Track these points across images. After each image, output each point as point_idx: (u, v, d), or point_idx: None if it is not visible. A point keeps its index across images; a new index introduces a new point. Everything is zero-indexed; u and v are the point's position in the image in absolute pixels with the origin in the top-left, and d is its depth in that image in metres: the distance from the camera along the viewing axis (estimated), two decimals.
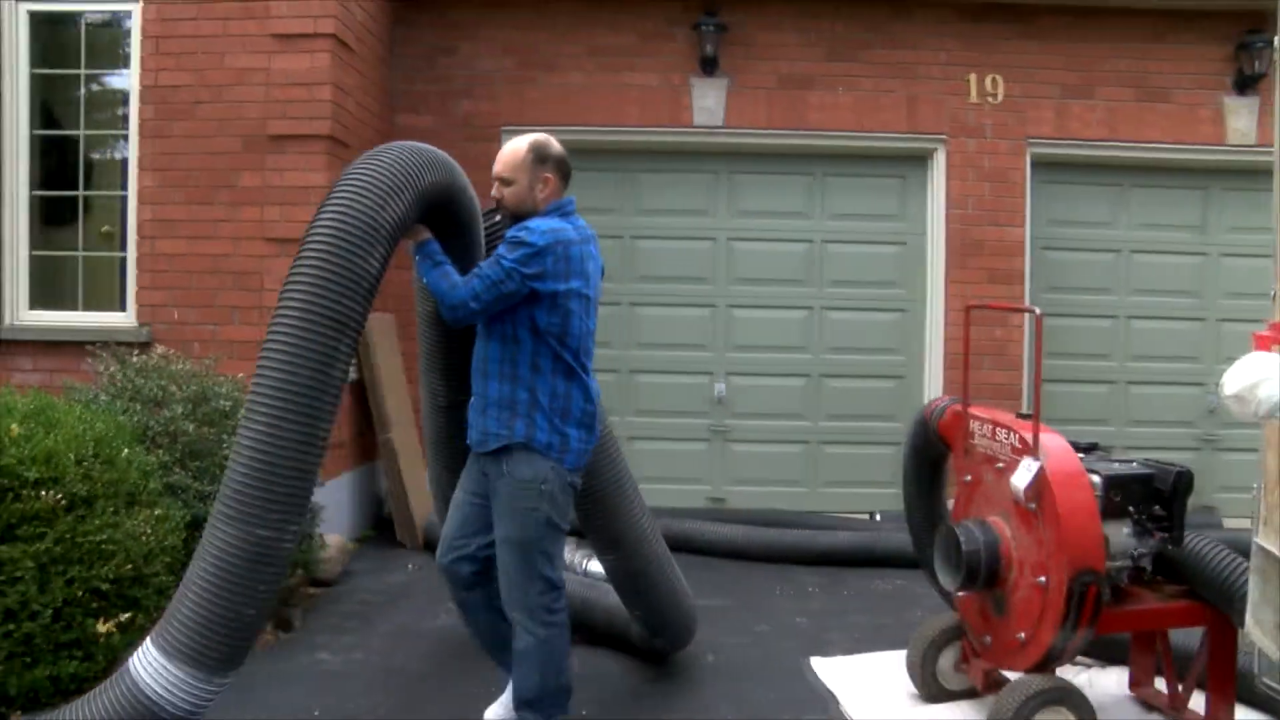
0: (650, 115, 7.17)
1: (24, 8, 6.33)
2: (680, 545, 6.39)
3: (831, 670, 4.54)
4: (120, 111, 6.35)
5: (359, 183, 3.10)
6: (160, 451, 4.71)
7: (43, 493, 3.85)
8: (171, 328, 6.03)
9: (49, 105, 6.48)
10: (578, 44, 7.15)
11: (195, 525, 4.58)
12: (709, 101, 7.17)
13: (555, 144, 3.56)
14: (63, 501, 3.89)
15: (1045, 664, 3.61)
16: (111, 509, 4.07)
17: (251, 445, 2.96)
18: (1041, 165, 7.31)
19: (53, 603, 3.80)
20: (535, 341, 3.37)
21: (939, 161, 7.27)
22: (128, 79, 6.28)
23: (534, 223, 3.37)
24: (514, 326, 3.37)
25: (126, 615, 4.01)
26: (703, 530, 6.47)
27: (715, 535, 6.44)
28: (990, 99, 7.20)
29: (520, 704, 3.52)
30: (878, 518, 6.98)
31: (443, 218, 3.46)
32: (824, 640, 4.95)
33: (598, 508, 3.87)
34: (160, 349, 5.59)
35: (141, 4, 6.17)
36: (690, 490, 7.34)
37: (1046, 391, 7.08)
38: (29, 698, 3.77)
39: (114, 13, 6.38)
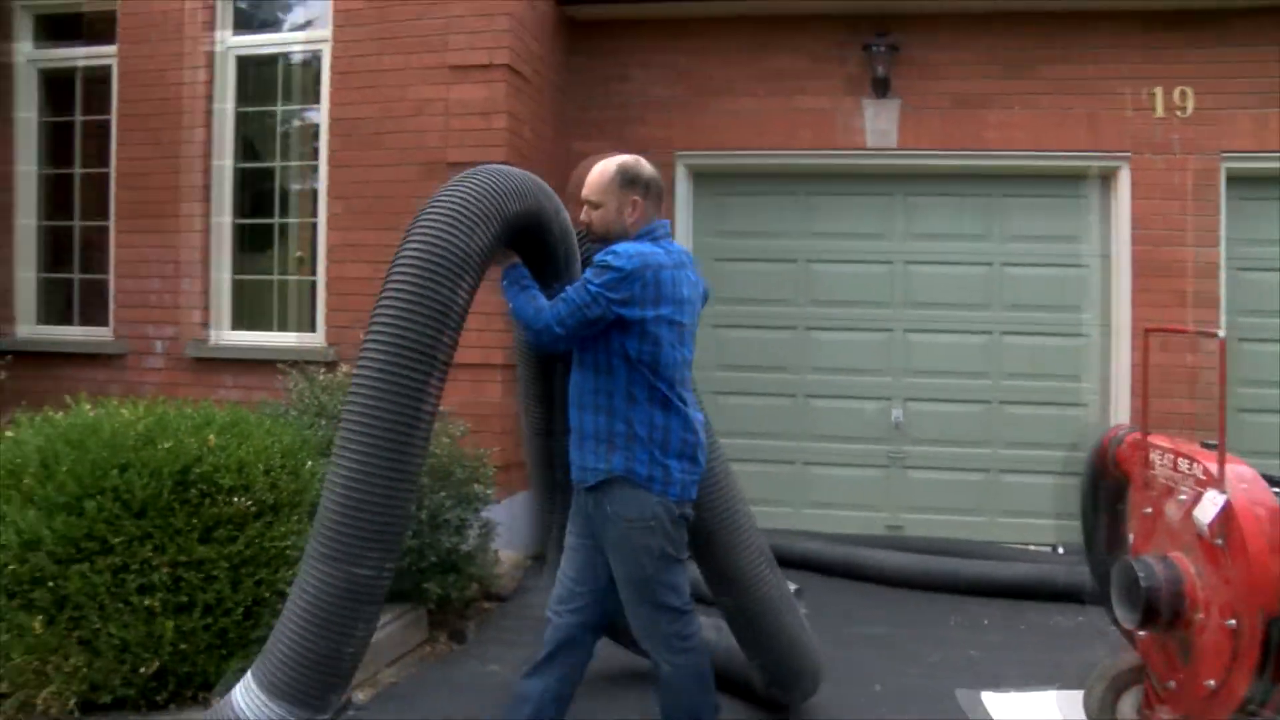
0: (823, 138, 7.15)
1: (232, 52, 6.78)
2: (854, 573, 6.29)
3: (1004, 706, 4.33)
4: (312, 144, 6.71)
5: (445, 211, 3.02)
6: None
7: (235, 499, 4.04)
8: (356, 348, 6.25)
9: (250, 139, 6.89)
10: (749, 68, 7.19)
11: None
12: (882, 123, 7.10)
13: (646, 166, 3.43)
14: (253, 508, 4.07)
15: (1240, 717, 3.26)
16: (295, 517, 4.23)
17: (344, 483, 2.89)
18: (1237, 180, 6.94)
19: (244, 601, 3.99)
20: (629, 371, 3.23)
21: (1123, 180, 6.99)
22: (319, 113, 6.62)
23: (621, 246, 3.22)
24: (607, 355, 3.24)
25: None
26: (876, 558, 6.32)
27: (888, 563, 6.27)
28: (1179, 112, 6.89)
29: None
30: (1060, 550, 6.69)
31: (533, 243, 3.36)
32: (997, 675, 4.71)
33: (708, 544, 3.62)
34: (345, 368, 5.82)
35: (331, 43, 6.52)
36: (866, 517, 7.20)
37: (1241, 421, 6.77)
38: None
39: (307, 52, 6.75)
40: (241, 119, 6.82)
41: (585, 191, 3.39)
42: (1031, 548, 6.82)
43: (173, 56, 6.73)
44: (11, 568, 3.76)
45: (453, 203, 3.03)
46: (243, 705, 2.95)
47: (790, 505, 7.33)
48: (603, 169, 3.38)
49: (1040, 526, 7.00)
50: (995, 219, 7.24)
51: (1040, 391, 7.15)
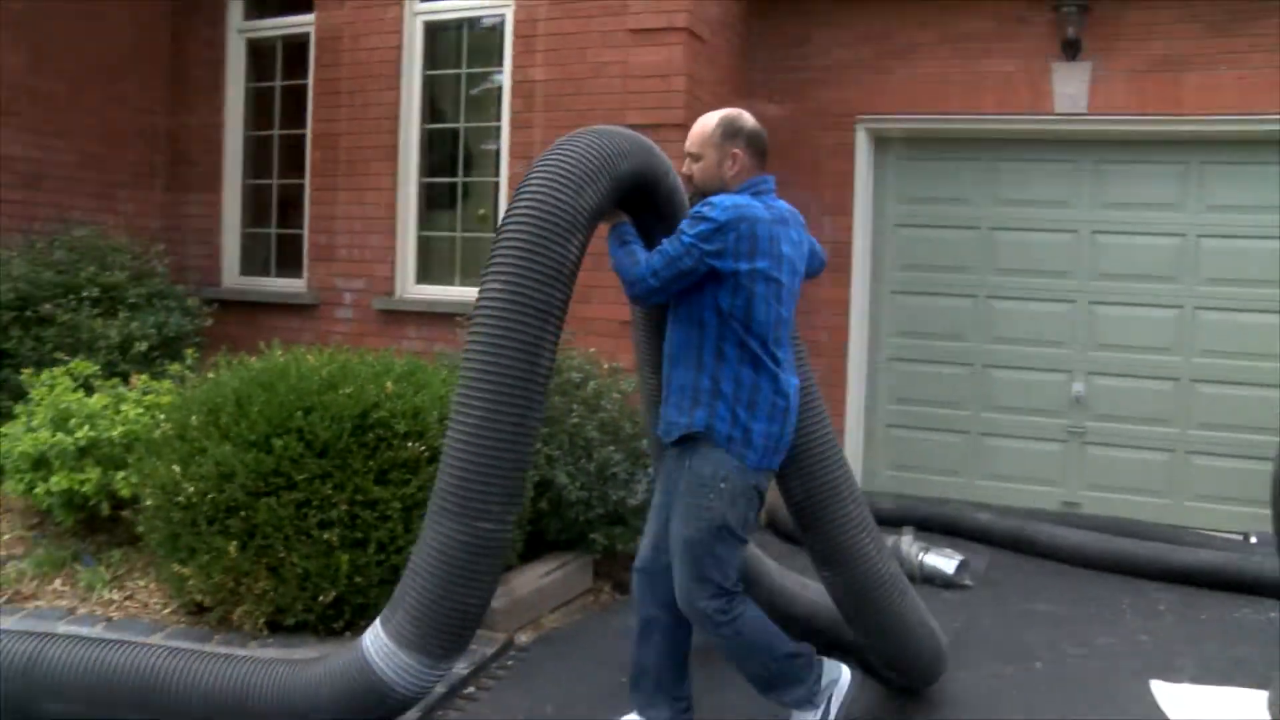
0: (1008, 102, 6.90)
1: (420, 18, 7.03)
2: (1025, 548, 6.12)
3: (1176, 698, 4.09)
4: (495, 106, 6.89)
5: (554, 172, 3.03)
6: None
7: (409, 444, 4.24)
8: None
9: (436, 102, 7.14)
10: (934, 30, 6.99)
11: (542, 486, 4.88)
12: (1071, 87, 6.80)
13: (749, 119, 3.36)
14: (425, 453, 4.24)
15: None
16: None
17: (466, 438, 2.95)
18: None
19: (414, 541, 4.14)
20: (720, 325, 3.17)
21: None
22: (502, 76, 6.80)
23: (717, 198, 3.17)
24: (699, 309, 3.19)
25: None
26: (1049, 533, 6.10)
27: (1063, 540, 6.04)
28: None
29: (766, 692, 3.38)
30: (1254, 540, 6.31)
31: (643, 202, 3.35)
32: (1170, 665, 4.46)
33: (808, 516, 3.50)
34: None
35: (514, 7, 6.68)
36: (1043, 492, 6.97)
37: None
38: None
39: (491, 17, 6.92)
40: (428, 82, 7.08)
41: (688, 143, 3.37)
42: (1221, 535, 6.44)
43: (365, 24, 7.03)
44: (210, 496, 4.05)
45: (561, 163, 3.05)
46: (372, 652, 3.06)
47: (963, 476, 7.17)
48: (704, 121, 3.36)
49: (1231, 513, 6.62)
50: (1191, 188, 6.85)
51: (1236, 371, 6.75)
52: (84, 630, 3.97)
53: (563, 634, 4.60)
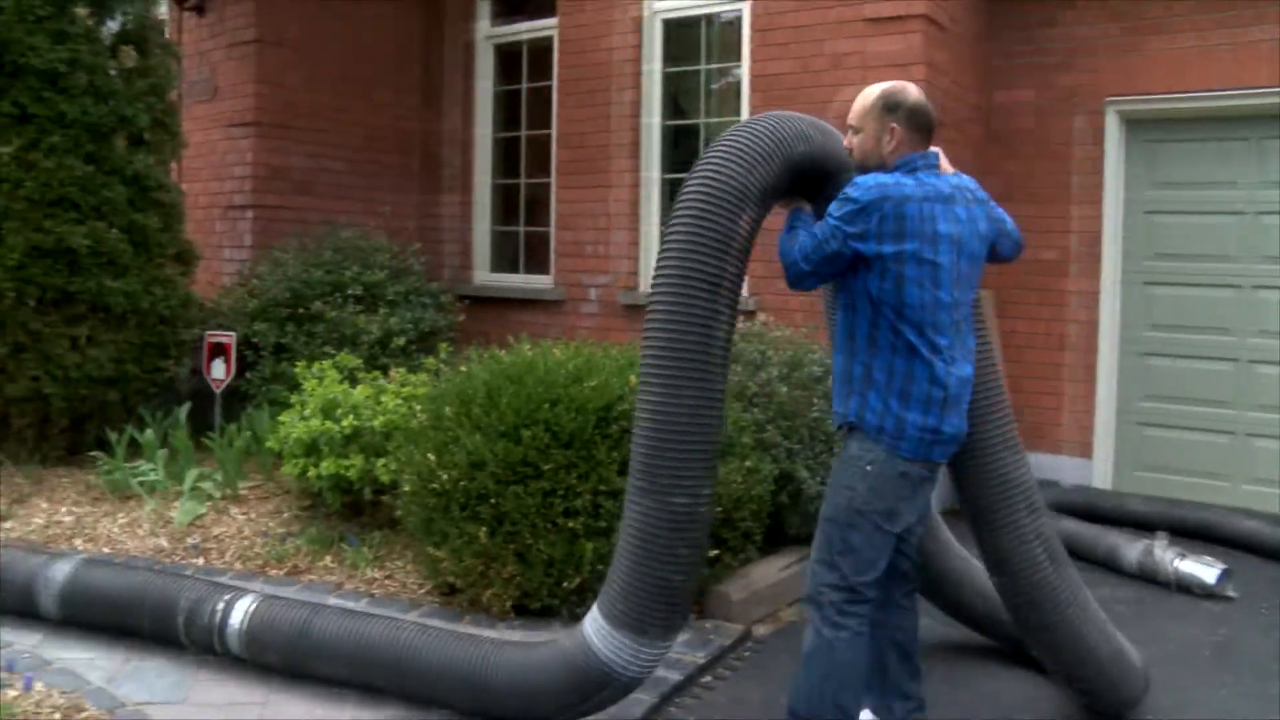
0: None
1: (659, 17, 7.14)
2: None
3: None
4: (734, 100, 6.92)
5: (727, 150, 3.06)
6: (755, 410, 4.98)
7: None
8: (776, 297, 6.43)
9: (676, 98, 7.23)
10: (1187, 1, 6.54)
11: (782, 480, 4.86)
12: None
13: (912, 93, 3.16)
14: None
15: None
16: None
17: (649, 415, 3.01)
18: None
19: None
20: (872, 311, 3.03)
21: None
22: (740, 70, 6.82)
23: (863, 178, 3.02)
24: (853, 294, 3.08)
25: (714, 551, 4.32)
26: None
27: None
28: None
29: (789, 713, 3.20)
30: None
31: (824, 188, 3.26)
32: None
33: (978, 518, 3.33)
34: (762, 316, 5.99)
35: (750, 2, 6.67)
36: None
37: None
38: None
39: (729, 12, 6.95)
40: (668, 79, 7.18)
41: (850, 116, 3.23)
42: None
43: (605, 24, 7.20)
44: (463, 484, 4.23)
45: (734, 142, 3.08)
46: (591, 633, 3.18)
47: (1227, 480, 6.62)
48: (867, 93, 3.20)
49: None
50: None
51: None
52: (349, 604, 4.24)
53: (799, 628, 4.56)
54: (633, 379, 4.42)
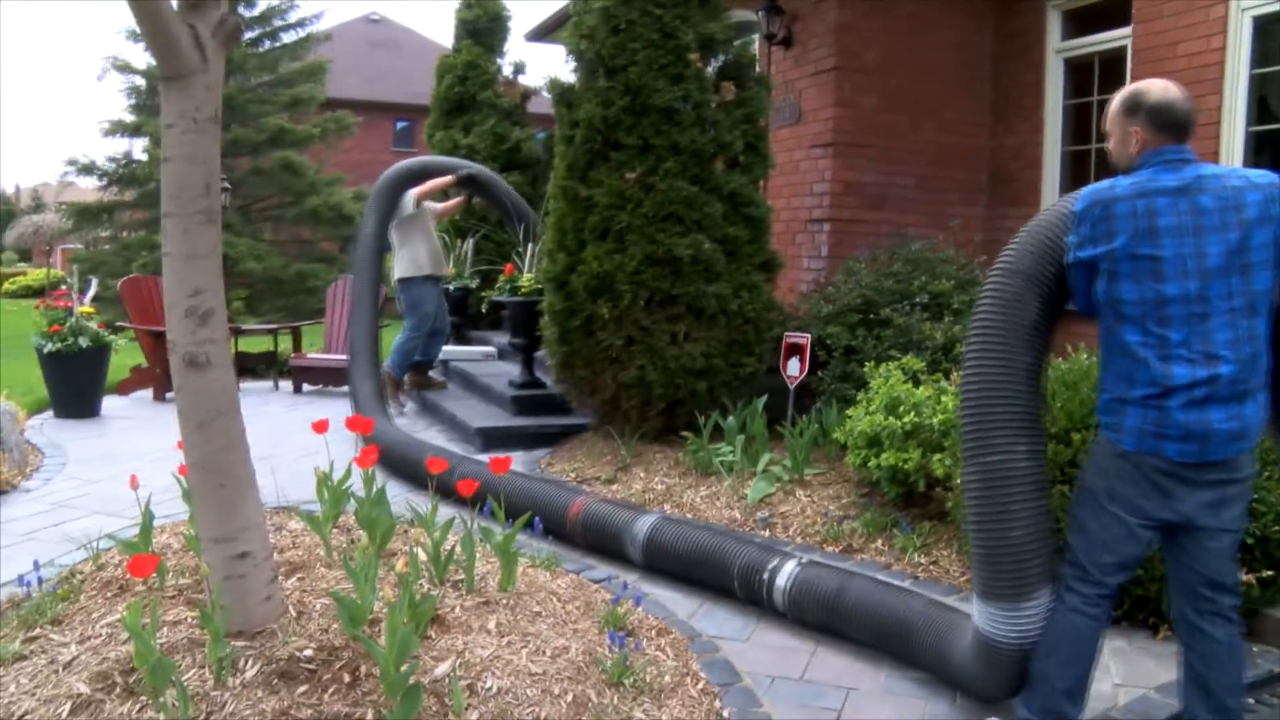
0: None
1: (1248, 14, 6.78)
2: None
3: None
4: None
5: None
6: None
7: None
8: None
9: (1266, 101, 6.84)
10: None
11: None
12: None
13: (1156, 92, 3.06)
14: None
15: None
16: (1265, 474, 4.29)
17: (965, 385, 3.35)
18: None
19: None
20: (1103, 315, 3.11)
21: None
22: None
23: (1086, 188, 3.12)
24: (1094, 302, 3.16)
25: (1269, 572, 4.19)
26: None
27: None
28: None
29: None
30: None
31: None
32: None
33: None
34: None
35: None
36: None
37: None
38: None
39: None
40: (1256, 82, 6.80)
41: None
42: None
43: (1184, 29, 6.96)
44: None
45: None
46: (976, 615, 3.47)
47: None
48: (1117, 95, 3.23)
49: None
50: None
51: None
52: (895, 583, 4.65)
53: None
54: None
